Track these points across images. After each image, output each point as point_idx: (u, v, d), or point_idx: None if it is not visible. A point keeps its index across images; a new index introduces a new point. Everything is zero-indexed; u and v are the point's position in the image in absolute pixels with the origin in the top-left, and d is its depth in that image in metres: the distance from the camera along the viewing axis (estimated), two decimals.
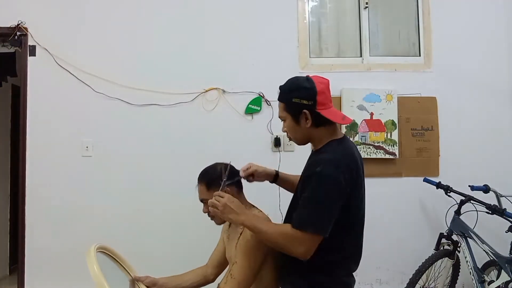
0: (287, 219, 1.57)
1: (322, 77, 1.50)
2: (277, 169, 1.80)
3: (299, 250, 1.36)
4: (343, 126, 2.96)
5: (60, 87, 2.90)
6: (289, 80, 1.54)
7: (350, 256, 1.51)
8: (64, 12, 2.94)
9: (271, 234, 1.42)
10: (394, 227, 2.99)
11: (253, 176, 1.72)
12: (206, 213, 1.70)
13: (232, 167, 1.70)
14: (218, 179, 1.63)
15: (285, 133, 1.56)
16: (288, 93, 1.49)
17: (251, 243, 1.54)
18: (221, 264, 1.85)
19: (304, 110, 1.44)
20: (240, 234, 1.61)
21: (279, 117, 1.55)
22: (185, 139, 2.93)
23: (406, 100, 3.05)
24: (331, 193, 1.36)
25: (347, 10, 3.24)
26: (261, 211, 1.72)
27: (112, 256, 1.69)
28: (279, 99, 1.53)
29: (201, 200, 1.71)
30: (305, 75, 1.51)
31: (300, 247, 1.36)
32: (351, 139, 2.98)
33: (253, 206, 1.75)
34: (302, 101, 1.44)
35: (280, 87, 1.53)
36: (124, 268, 1.72)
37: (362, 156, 2.85)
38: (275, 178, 1.79)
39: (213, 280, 1.87)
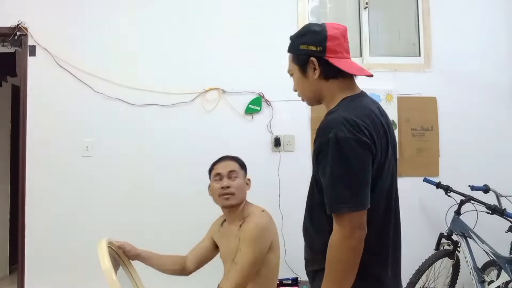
0: (308, 208, 1.29)
1: (340, 24, 1.27)
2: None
3: (345, 239, 1.07)
4: None
5: (60, 87, 2.90)
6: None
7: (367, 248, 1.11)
8: (64, 12, 2.94)
9: (333, 263, 1.10)
10: None
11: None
12: (223, 195, 1.71)
13: None
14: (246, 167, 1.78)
15: (296, 93, 1.33)
16: (296, 39, 1.26)
17: (255, 232, 1.59)
18: (202, 261, 1.86)
19: (311, 58, 1.21)
20: (240, 226, 1.66)
21: (287, 71, 1.32)
22: (185, 139, 2.92)
23: (406, 100, 3.05)
24: (355, 158, 1.08)
25: (347, 10, 3.24)
26: (260, 207, 1.75)
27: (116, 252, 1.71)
28: (288, 49, 1.30)
29: (230, 172, 1.74)
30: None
31: (343, 233, 1.07)
32: None
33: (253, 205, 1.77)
34: (309, 47, 1.21)
35: (290, 36, 1.31)
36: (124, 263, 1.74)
37: None
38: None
39: (188, 274, 1.85)
